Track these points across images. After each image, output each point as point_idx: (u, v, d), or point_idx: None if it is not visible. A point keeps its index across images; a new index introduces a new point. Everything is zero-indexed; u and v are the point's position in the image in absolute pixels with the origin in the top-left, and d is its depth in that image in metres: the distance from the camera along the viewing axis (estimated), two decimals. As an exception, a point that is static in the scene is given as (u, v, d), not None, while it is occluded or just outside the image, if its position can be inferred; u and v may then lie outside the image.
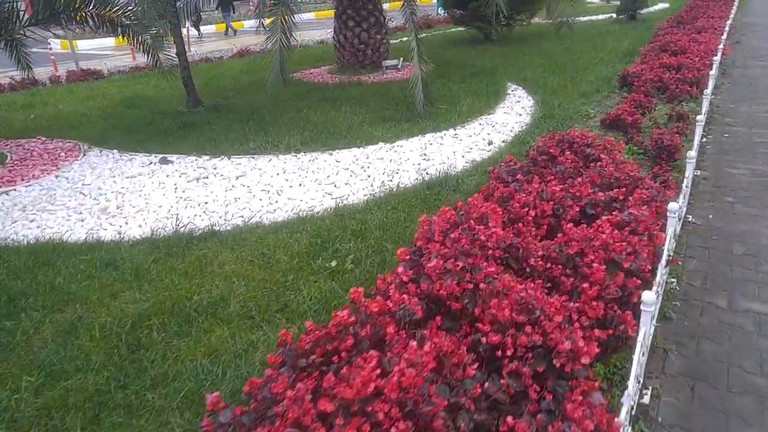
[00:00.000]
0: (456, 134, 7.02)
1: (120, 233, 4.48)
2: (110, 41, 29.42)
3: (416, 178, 5.48)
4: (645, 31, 14.87)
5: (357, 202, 4.85)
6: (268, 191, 5.23)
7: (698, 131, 5.48)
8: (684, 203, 4.36)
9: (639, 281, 2.91)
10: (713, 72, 7.48)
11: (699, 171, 5.53)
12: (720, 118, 7.40)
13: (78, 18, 6.60)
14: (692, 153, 4.61)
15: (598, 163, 4.30)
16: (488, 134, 7.00)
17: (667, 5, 21.97)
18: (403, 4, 8.15)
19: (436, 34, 17.92)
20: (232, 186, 5.40)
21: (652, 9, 20.54)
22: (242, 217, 4.63)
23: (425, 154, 6.26)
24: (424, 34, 18.24)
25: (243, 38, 20.18)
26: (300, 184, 5.40)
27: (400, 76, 10.96)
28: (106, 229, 4.57)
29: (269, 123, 7.68)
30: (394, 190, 5.11)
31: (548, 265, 2.89)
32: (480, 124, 7.47)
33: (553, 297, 2.56)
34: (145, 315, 3.04)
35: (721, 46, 9.29)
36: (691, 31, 12.06)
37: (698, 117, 5.45)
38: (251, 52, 15.48)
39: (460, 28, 16.55)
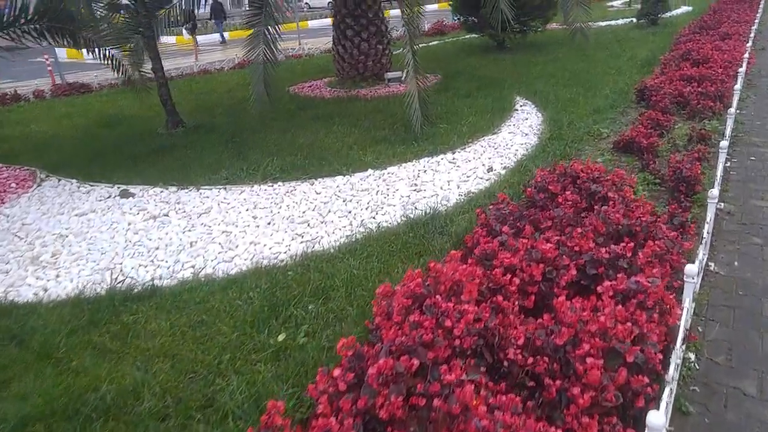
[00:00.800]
0: (454, 159, 6.45)
1: (45, 290, 3.94)
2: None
3: (402, 215, 4.92)
4: (666, 37, 14.13)
5: (329, 247, 4.31)
6: (230, 233, 4.70)
7: (721, 159, 4.86)
8: (705, 253, 3.75)
9: (646, 379, 2.33)
10: (738, 86, 6.81)
11: (722, 204, 4.89)
12: (745, 137, 6.72)
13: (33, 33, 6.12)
14: (714, 192, 3.99)
15: (604, 208, 3.70)
16: (489, 158, 6.42)
17: (690, 9, 21.11)
18: (402, 12, 7.58)
19: (448, 42, 17.36)
20: (192, 226, 4.88)
21: (674, 13, 19.72)
22: (193, 267, 4.11)
23: (416, 184, 5.71)
24: (435, 42, 17.75)
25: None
26: (269, 223, 4.87)
27: (403, 90, 10.36)
28: (30, 285, 4.04)
29: (251, 146, 7.19)
30: (374, 231, 4.57)
31: (530, 359, 2.33)
32: (482, 146, 6.89)
33: (531, 416, 2.00)
34: (28, 419, 2.50)
35: (746, 55, 8.59)
36: (714, 37, 11.34)
37: (721, 143, 4.82)
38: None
39: (473, 35, 15.94)
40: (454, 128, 7.52)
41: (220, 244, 4.48)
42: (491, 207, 3.95)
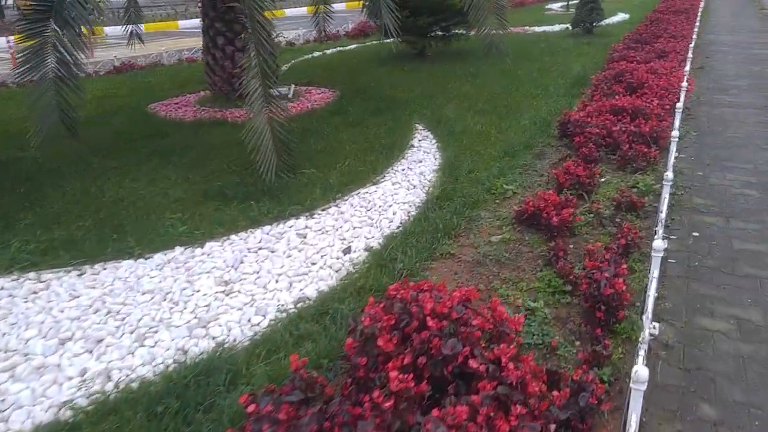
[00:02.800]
0: (306, 229, 4.69)
1: None
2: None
3: (175, 356, 3.13)
4: (601, 49, 12.83)
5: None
6: None
7: (655, 266, 3.27)
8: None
9: None
10: (676, 132, 5.33)
11: (656, 325, 3.33)
12: (686, 199, 5.25)
13: None
14: (640, 361, 2.37)
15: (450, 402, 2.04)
16: (354, 229, 4.70)
17: (627, 16, 20.10)
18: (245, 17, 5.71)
19: (368, 46, 15.60)
20: None
21: (611, 21, 18.61)
22: None
23: (230, 280, 3.91)
24: (353, 45, 15.96)
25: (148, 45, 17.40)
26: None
27: (291, 111, 8.56)
28: None
29: (34, 202, 5.21)
30: (110, 393, 2.78)
31: None
32: (351, 205, 5.17)
33: None
34: None
35: (684, 82, 7.20)
36: (650, 54, 10.02)
37: (655, 244, 3.22)
38: (135, 67, 12.89)
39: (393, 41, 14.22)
40: (323, 176, 5.76)
41: None
42: (262, 395, 2.21)
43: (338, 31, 18.56)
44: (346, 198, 5.29)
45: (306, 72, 11.93)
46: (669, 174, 4.24)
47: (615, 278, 3.29)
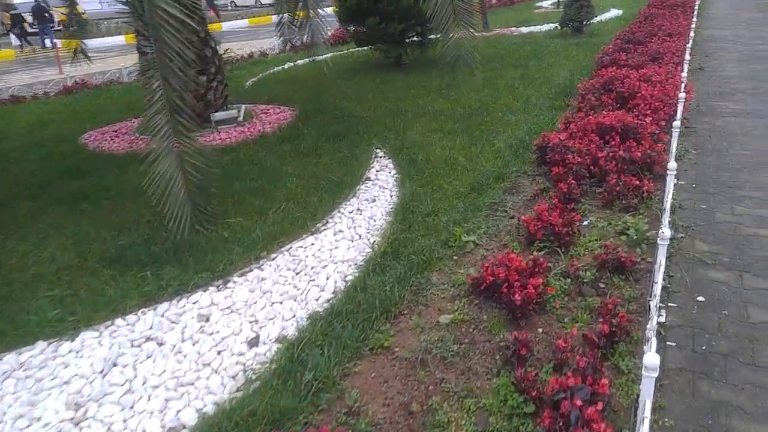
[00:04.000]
0: (210, 307, 3.74)
1: None
2: (120, 38, 24.37)
3: None
4: (591, 50, 11.86)
5: None
6: None
7: (647, 391, 2.31)
8: None
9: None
10: (672, 164, 4.36)
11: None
12: (687, 245, 4.29)
13: None
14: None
15: None
16: (270, 305, 3.75)
17: (620, 12, 19.09)
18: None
19: (344, 55, 14.63)
20: None
21: (602, 18, 17.63)
22: None
23: (86, 400, 2.96)
24: (330, 54, 14.99)
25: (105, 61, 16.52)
26: None
27: (238, 137, 7.65)
28: None
29: None
30: None
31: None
32: (276, 267, 4.21)
33: None
34: None
35: (682, 93, 6.23)
36: (643, 57, 9.05)
37: (647, 360, 2.26)
38: (89, 86, 11.97)
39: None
40: (251, 225, 4.81)
41: None
42: None
43: (311, 39, 17.61)
44: (272, 257, 4.34)
45: (271, 87, 11.02)
46: (665, 231, 3.28)
47: (590, 405, 2.33)
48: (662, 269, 3.24)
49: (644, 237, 4.15)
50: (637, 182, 4.76)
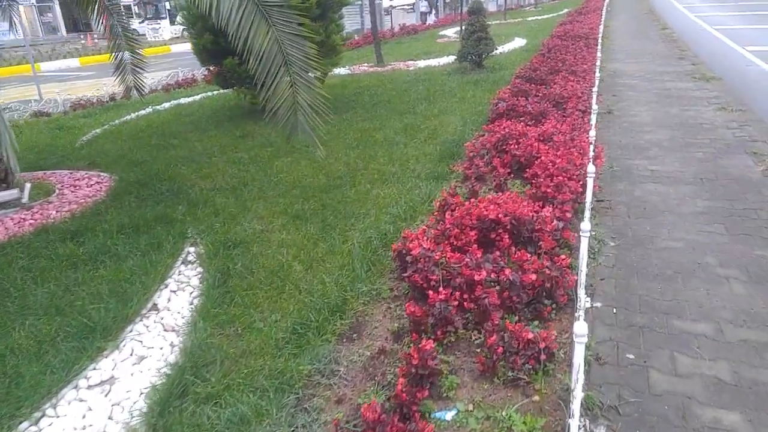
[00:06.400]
0: None
1: None
2: (75, 61, 21.02)
3: None
4: (489, 89, 10.48)
5: None
6: None
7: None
8: None
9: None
10: (580, 312, 2.66)
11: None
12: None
13: None
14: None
15: None
16: None
17: (524, 42, 18.17)
18: None
19: (216, 97, 12.55)
20: None
21: (505, 48, 16.55)
22: None
23: None
24: (199, 96, 12.90)
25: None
26: None
27: (10, 230, 5.47)
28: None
29: None
30: None
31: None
32: None
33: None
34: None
35: (590, 167, 4.63)
36: (544, 103, 7.59)
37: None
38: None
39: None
40: None
41: None
42: None
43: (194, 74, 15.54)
44: None
45: (106, 145, 8.85)
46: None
47: None
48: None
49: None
50: (530, 337, 3.01)
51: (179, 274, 4.50)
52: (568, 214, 4.36)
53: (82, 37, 32.78)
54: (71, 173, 7.39)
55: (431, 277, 3.63)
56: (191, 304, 4.09)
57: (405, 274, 3.78)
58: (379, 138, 7.82)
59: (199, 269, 4.56)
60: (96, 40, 29.96)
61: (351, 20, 28.81)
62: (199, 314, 3.84)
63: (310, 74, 4.95)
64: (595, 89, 7.55)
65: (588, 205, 4.17)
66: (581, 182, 4.77)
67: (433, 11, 35.13)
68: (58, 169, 7.66)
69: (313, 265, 4.40)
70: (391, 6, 30.06)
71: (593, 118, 6.34)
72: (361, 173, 6.47)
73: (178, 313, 3.98)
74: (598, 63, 10.23)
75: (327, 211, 5.45)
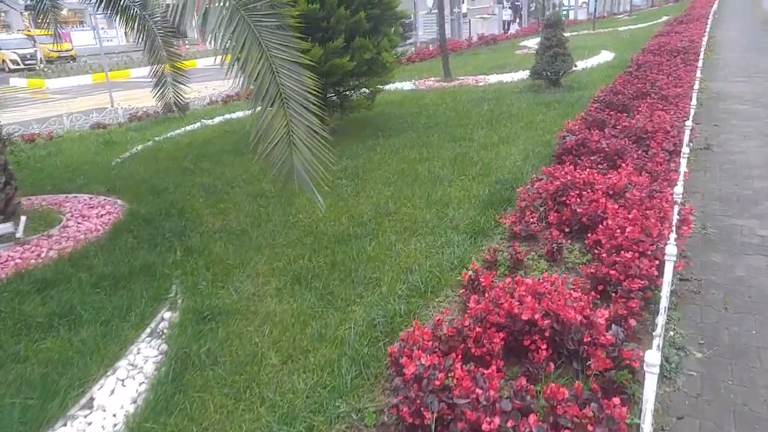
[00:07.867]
0: None
1: None
2: (87, 78, 21.85)
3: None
4: (564, 112, 9.19)
5: None
6: None
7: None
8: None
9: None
10: None
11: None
12: None
13: None
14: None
15: None
16: None
17: (611, 56, 16.47)
18: None
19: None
20: None
21: (589, 63, 15.00)
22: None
23: None
24: (238, 114, 12.36)
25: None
26: None
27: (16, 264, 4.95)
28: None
29: None
30: None
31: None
32: None
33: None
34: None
35: (670, 245, 3.36)
36: (622, 139, 6.28)
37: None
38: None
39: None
40: None
41: None
42: None
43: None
44: None
45: (140, 164, 8.38)
46: None
47: None
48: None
49: None
50: None
51: (137, 353, 3.69)
52: (632, 321, 3.15)
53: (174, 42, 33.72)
54: (89, 199, 6.87)
55: (425, 413, 2.57)
56: (134, 402, 3.25)
57: (391, 402, 2.75)
58: (423, 172, 6.78)
59: (164, 346, 3.73)
60: (187, 46, 30.66)
61: (429, 30, 27.88)
62: (129, 426, 2.97)
63: (310, 111, 4.01)
64: (688, 124, 6.13)
65: (663, 310, 2.94)
66: (654, 267, 3.52)
67: (517, 20, 33.53)
68: (81, 192, 7.18)
69: (292, 358, 3.46)
70: (468, 11, 28.85)
71: (683, 163, 4.99)
72: (389, 219, 5.47)
73: (114, 416, 3.14)
74: (696, 84, 8.66)
75: (335, 272, 4.49)
